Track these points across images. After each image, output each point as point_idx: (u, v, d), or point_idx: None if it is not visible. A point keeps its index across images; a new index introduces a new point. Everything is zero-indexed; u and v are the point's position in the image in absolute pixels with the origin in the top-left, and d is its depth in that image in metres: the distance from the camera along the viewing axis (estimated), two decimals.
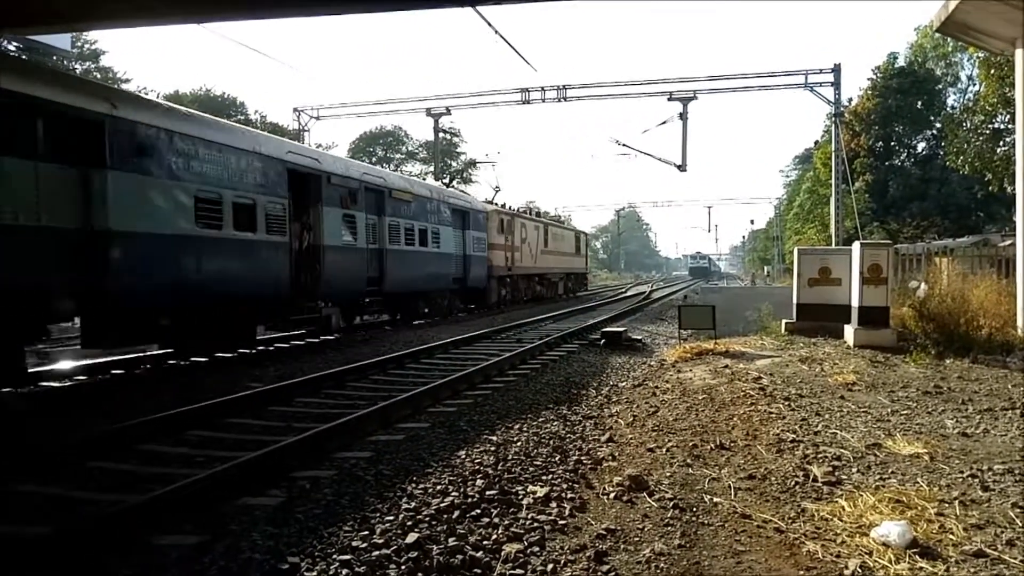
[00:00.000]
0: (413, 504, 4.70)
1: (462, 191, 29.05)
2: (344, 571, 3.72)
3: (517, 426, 7.11)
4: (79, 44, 44.14)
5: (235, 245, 11.84)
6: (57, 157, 8.72)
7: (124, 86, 43.49)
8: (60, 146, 8.76)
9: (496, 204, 28.33)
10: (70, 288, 8.91)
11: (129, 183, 9.63)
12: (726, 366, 10.62)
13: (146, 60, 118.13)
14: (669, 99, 29.09)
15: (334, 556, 3.88)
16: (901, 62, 46.51)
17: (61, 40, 25.40)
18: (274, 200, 12.86)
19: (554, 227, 35.65)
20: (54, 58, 30.28)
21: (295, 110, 34.56)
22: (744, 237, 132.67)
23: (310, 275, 14.20)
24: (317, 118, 34.48)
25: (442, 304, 21.90)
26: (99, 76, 44.89)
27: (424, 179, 32.88)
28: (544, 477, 5.34)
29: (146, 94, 40.33)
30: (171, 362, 11.74)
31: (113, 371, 10.85)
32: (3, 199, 8.08)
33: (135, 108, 10.17)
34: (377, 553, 3.89)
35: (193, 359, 11.79)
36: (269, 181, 12.74)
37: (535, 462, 5.76)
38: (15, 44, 22.20)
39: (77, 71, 41.49)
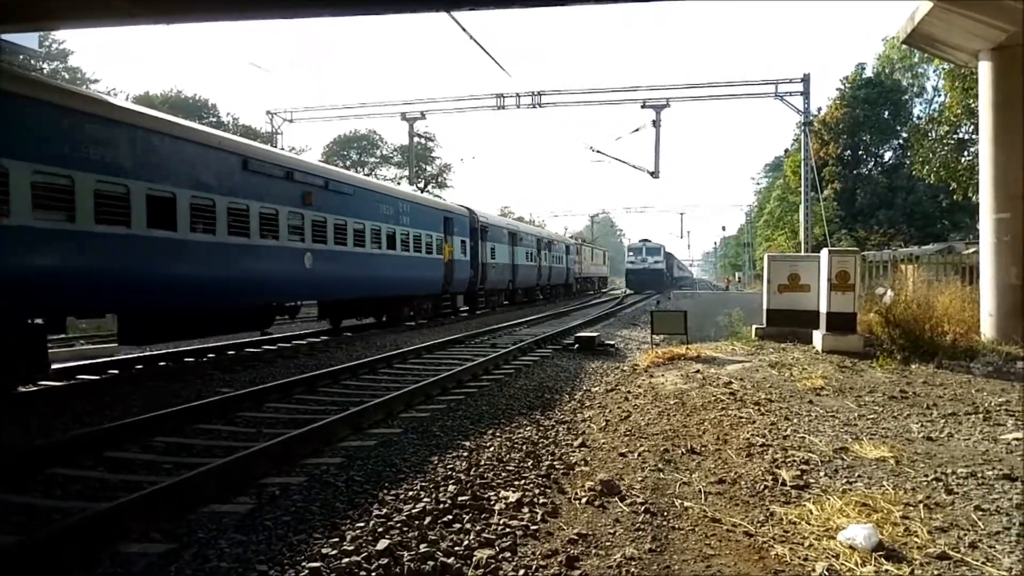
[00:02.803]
0: (384, 510, 4.67)
1: (437, 195, 43.87)
2: None
3: (490, 431, 7.11)
4: (46, 44, 43.36)
5: (535, 267, 36.09)
6: (514, 243, 32.40)
7: (93, 86, 42.77)
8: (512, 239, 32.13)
9: (575, 239, 55.94)
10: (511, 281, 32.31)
11: (519, 250, 32.78)
12: (697, 371, 10.72)
13: (114, 60, 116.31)
14: (642, 107, 29.34)
15: (303, 564, 3.84)
16: (869, 73, 47.37)
17: (28, 39, 24.96)
18: (533, 249, 35.68)
19: (596, 249, 62.93)
20: (21, 57, 29.68)
21: (268, 113, 34.28)
22: (716, 243, 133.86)
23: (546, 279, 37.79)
24: (290, 121, 34.21)
25: (559, 292, 43.44)
26: (67, 76, 44.10)
27: (399, 183, 35.06)
28: (516, 482, 5.34)
29: (115, 95, 39.74)
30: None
31: (80, 376, 10.65)
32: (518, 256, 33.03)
33: (527, 231, 36.97)
34: (347, 560, 3.86)
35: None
36: (545, 245, 38.55)
37: (508, 467, 5.76)
38: None
39: (45, 71, 40.72)
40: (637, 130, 30.20)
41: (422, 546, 4.05)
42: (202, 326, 12.56)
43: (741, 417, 7.41)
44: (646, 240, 59.32)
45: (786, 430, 6.77)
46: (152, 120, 11.05)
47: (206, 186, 11.57)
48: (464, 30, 14.59)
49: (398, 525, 4.38)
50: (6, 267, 8.33)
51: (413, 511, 4.63)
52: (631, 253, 58.24)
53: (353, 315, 19.29)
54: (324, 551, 4.00)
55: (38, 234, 8.62)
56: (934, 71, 41.73)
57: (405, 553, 3.96)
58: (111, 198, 9.67)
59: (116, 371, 11.24)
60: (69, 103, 9.32)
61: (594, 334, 15.30)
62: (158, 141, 10.71)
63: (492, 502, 4.87)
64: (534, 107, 30.56)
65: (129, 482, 5.41)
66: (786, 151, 56.21)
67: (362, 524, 4.41)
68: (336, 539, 4.18)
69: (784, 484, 5.11)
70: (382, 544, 4.03)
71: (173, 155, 10.97)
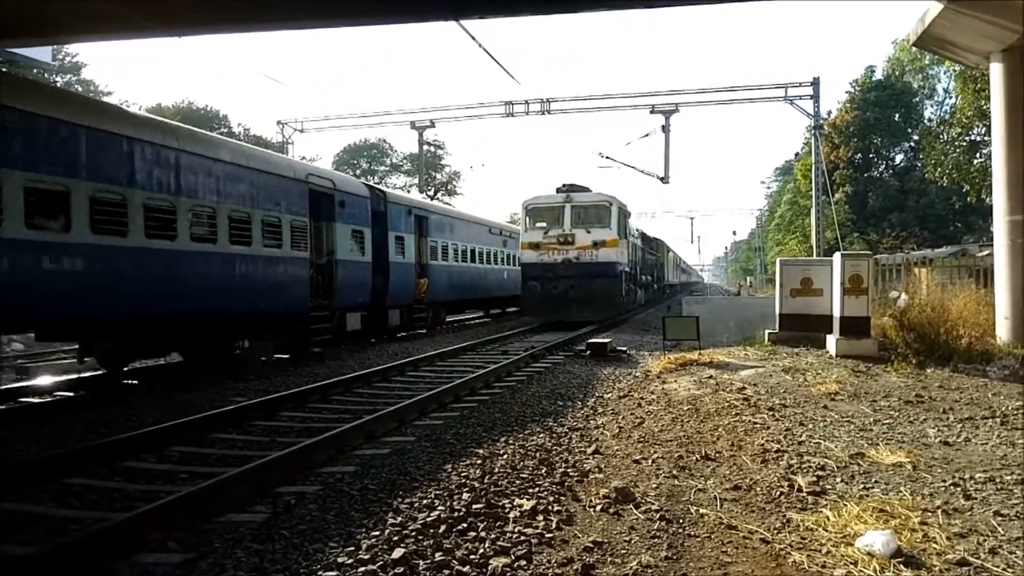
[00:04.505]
0: (399, 519, 4.67)
1: (447, 203, 46.08)
2: None
3: (503, 439, 7.10)
4: (60, 57, 43.84)
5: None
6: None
7: (106, 98, 43.15)
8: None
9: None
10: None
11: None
12: (710, 376, 10.67)
13: (127, 71, 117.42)
14: (651, 112, 29.27)
15: (319, 573, 3.85)
16: (879, 75, 47.21)
17: (42, 53, 25.17)
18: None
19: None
20: (35, 71, 30.03)
21: (279, 123, 34.47)
22: (727, 248, 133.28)
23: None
24: (301, 131, 34.40)
25: None
26: (80, 88, 44.58)
27: (408, 191, 35.64)
28: (531, 490, 5.33)
29: (128, 106, 40.10)
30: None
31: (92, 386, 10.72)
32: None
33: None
34: (363, 569, 3.87)
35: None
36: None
37: (521, 475, 5.75)
38: None
39: (58, 83, 41.15)
40: (647, 135, 30.11)
41: (437, 555, 4.05)
42: (473, 306, 28.43)
43: (755, 423, 7.37)
44: (572, 187, 23.03)
45: (801, 436, 6.73)
46: (474, 217, 27.62)
47: (480, 242, 26.04)
48: (473, 38, 14.65)
49: (413, 534, 4.38)
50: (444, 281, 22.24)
51: (428, 519, 4.63)
52: (529, 221, 22.89)
53: (499, 307, 30.55)
54: (340, 560, 4.01)
55: (464, 270, 24.42)
56: (945, 72, 41.54)
57: (420, 562, 3.96)
58: (472, 252, 24.99)
59: (136, 381, 11.30)
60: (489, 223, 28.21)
61: (606, 341, 15.27)
62: (476, 225, 26.81)
63: (507, 510, 4.86)
64: (543, 113, 30.52)
65: (146, 492, 5.44)
66: (796, 155, 56.08)
67: (377, 533, 4.42)
68: (352, 548, 4.18)
69: (800, 490, 5.08)
70: (397, 553, 4.03)
71: (477, 232, 26.29)
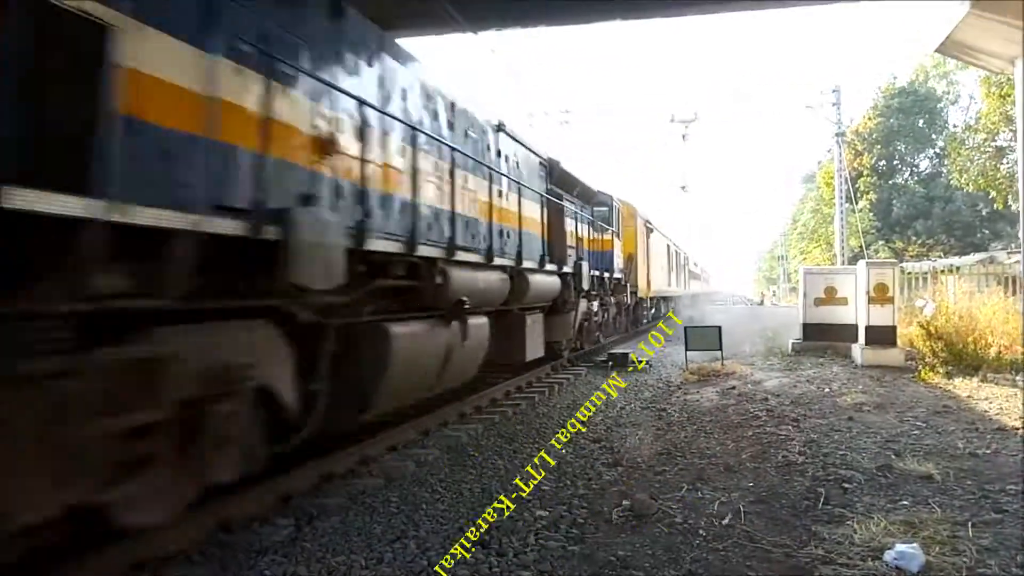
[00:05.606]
0: (421, 532, 4.68)
1: None
2: None
3: (525, 451, 7.08)
4: None
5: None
6: None
7: None
8: None
9: None
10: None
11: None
12: (733, 387, 10.59)
13: None
14: (671, 121, 29.21)
15: None
16: (902, 82, 46.70)
17: None
18: None
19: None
20: None
21: None
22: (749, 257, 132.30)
23: None
24: None
25: None
26: None
27: None
28: (551, 502, 5.32)
29: None
30: None
31: None
32: None
33: None
34: None
35: None
36: None
37: (543, 487, 5.74)
38: None
39: None
40: (665, 144, 29.95)
41: (460, 569, 4.05)
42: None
43: (779, 434, 7.30)
44: None
45: (826, 447, 6.65)
46: None
47: None
48: (492, 51, 14.77)
49: (435, 547, 4.38)
50: None
51: (450, 532, 4.63)
52: None
53: None
54: (363, 573, 4.02)
55: None
56: (974, 80, 41.08)
57: (443, 575, 3.96)
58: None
59: None
60: None
61: (627, 351, 15.21)
62: None
63: (528, 523, 4.85)
64: (562, 124, 30.49)
65: None
66: (819, 162, 55.53)
67: (399, 546, 4.43)
68: (375, 561, 4.19)
69: (826, 503, 5.02)
70: (420, 566, 4.03)
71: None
